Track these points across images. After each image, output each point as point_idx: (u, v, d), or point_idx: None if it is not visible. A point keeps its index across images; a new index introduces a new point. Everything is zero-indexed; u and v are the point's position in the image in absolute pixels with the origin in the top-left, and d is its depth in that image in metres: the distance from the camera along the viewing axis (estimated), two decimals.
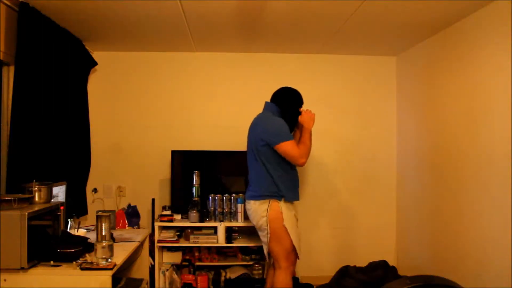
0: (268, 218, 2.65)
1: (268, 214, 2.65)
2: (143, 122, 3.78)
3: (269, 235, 2.67)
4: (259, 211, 2.69)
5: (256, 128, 2.75)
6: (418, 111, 3.51)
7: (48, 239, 2.20)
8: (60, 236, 2.31)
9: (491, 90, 2.55)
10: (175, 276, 3.37)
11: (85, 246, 2.28)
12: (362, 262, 3.54)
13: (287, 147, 2.62)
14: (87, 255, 2.23)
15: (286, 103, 2.82)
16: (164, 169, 3.73)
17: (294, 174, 2.81)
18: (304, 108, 2.88)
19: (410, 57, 3.67)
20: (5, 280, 2.01)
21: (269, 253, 2.79)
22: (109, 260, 2.16)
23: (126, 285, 2.83)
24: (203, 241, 3.30)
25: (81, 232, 2.77)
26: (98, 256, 2.14)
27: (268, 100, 2.90)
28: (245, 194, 2.86)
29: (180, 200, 3.50)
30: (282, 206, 2.66)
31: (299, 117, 2.82)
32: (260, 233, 2.78)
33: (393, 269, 3.50)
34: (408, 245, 3.70)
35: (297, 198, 2.81)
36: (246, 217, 3.38)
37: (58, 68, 2.93)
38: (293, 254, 2.75)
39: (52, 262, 2.12)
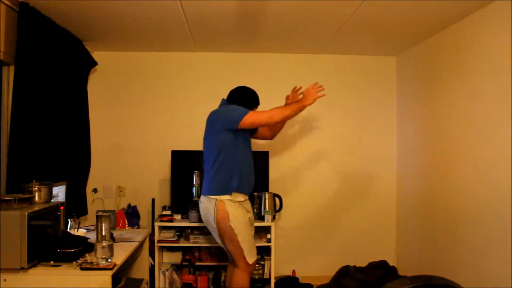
0: (216, 218, 2.56)
1: (216, 214, 2.55)
2: (143, 122, 3.78)
3: (218, 233, 2.62)
4: (208, 208, 2.60)
5: (212, 120, 2.68)
6: (418, 111, 3.51)
7: (48, 239, 2.20)
8: (60, 236, 2.32)
9: (491, 90, 2.55)
10: (175, 276, 3.38)
11: (85, 246, 2.29)
12: (362, 262, 3.54)
13: (253, 116, 2.55)
14: (87, 255, 2.24)
15: (241, 103, 2.73)
16: (164, 169, 3.73)
17: (249, 169, 2.70)
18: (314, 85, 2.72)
19: (410, 57, 3.67)
20: (5, 280, 2.01)
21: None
22: (109, 260, 2.17)
23: (126, 285, 2.83)
24: (203, 241, 3.30)
25: (81, 232, 2.77)
26: (98, 256, 2.15)
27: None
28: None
29: (180, 200, 3.50)
30: (228, 204, 2.54)
31: (306, 89, 2.71)
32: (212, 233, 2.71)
33: (393, 269, 3.51)
34: (408, 245, 3.70)
35: (248, 192, 2.71)
36: None
37: (58, 68, 2.93)
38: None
39: (52, 262, 2.12)
